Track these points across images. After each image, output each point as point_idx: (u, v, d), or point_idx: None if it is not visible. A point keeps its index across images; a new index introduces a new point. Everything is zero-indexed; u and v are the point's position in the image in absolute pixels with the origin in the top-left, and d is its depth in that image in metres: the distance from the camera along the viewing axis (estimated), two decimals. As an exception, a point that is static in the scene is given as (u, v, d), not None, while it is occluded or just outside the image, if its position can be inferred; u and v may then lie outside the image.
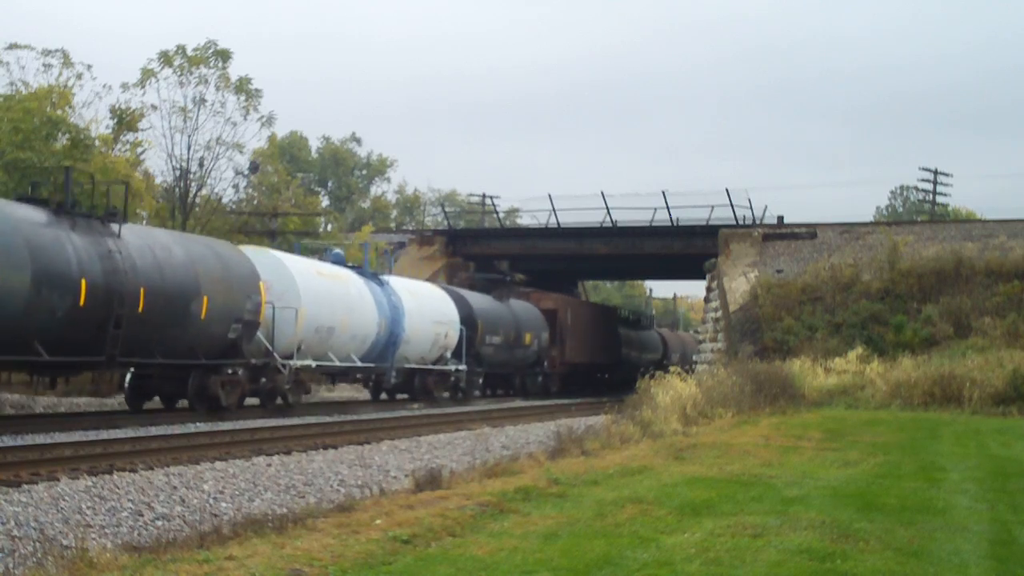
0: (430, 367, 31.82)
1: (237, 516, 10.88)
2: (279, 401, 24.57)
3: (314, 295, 25.01)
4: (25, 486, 11.70)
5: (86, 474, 12.73)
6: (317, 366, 25.87)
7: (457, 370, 33.09)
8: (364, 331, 27.62)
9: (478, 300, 36.91)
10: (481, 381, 37.09)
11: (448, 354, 32.86)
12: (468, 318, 34.24)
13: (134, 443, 15.83)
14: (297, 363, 24.49)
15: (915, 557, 8.02)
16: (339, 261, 29.62)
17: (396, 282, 31.21)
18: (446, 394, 33.18)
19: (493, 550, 7.88)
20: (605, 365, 50.70)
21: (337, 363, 26.62)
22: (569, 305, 45.94)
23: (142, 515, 11.10)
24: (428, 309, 31.70)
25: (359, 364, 28.00)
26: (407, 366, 30.57)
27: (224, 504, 12.13)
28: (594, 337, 47.74)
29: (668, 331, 69.17)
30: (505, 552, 7.82)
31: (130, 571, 7.12)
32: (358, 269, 30.03)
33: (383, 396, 32.59)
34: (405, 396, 32.15)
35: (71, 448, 14.80)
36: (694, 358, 61.17)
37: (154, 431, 18.12)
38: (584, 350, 46.25)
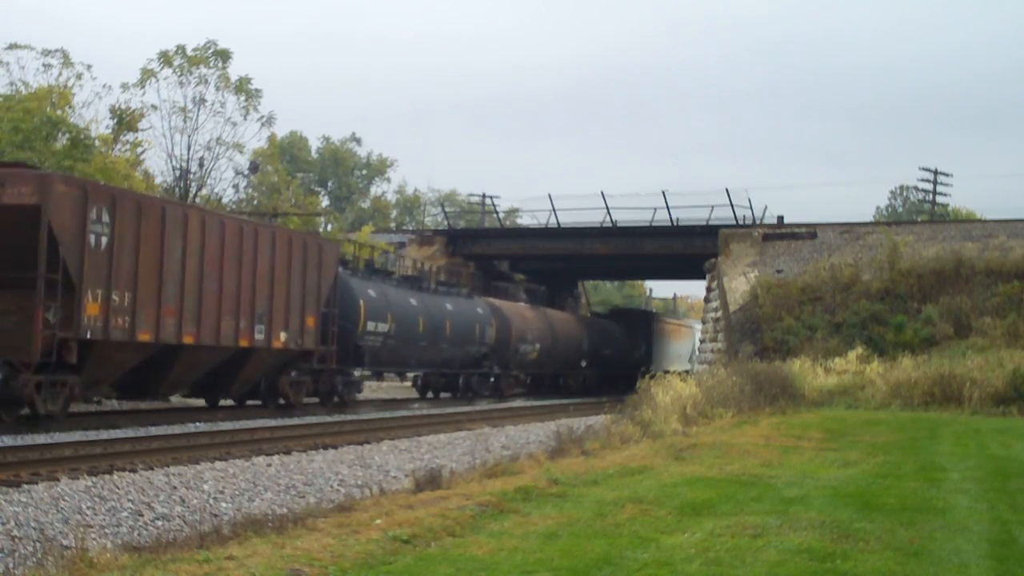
0: None
1: (237, 516, 10.87)
2: None
3: None
4: (25, 486, 11.71)
5: (86, 474, 12.74)
6: None
7: None
8: None
9: None
10: None
11: None
12: None
13: (134, 443, 15.84)
14: None
15: (915, 557, 8.01)
16: None
17: None
18: None
19: (493, 550, 7.87)
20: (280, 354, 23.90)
21: None
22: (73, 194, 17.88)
23: (142, 515, 11.10)
24: None
25: None
26: None
27: (224, 504, 12.13)
28: (221, 284, 21.30)
29: (513, 304, 41.44)
30: (505, 552, 7.81)
31: (130, 571, 7.11)
32: None
33: None
34: None
35: (71, 448, 14.81)
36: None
37: (154, 431, 18.14)
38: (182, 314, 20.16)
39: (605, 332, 48.99)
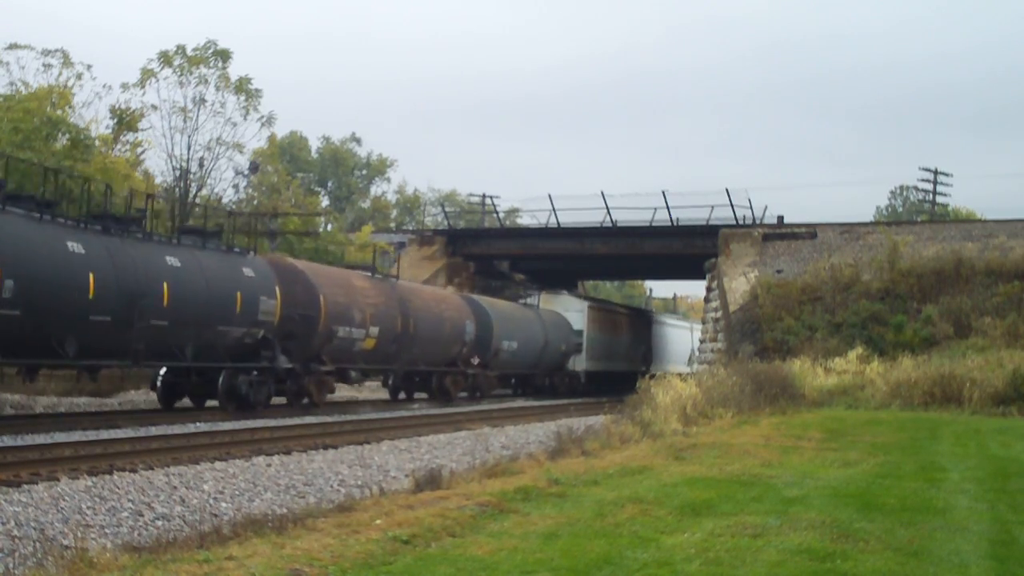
0: None
1: (237, 516, 10.86)
2: None
3: None
4: (25, 486, 11.71)
5: (86, 474, 12.74)
6: None
7: None
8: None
9: None
10: None
11: None
12: None
13: (134, 443, 15.84)
14: None
15: (915, 557, 8.01)
16: None
17: None
18: None
19: (493, 550, 7.87)
20: None
21: None
22: None
23: (142, 515, 11.10)
24: None
25: None
26: None
27: (224, 504, 12.13)
28: None
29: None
30: (505, 552, 7.81)
31: (130, 571, 7.11)
32: None
33: None
34: None
35: (71, 448, 14.82)
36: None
37: (154, 431, 18.15)
38: None
39: (512, 319, 37.36)
